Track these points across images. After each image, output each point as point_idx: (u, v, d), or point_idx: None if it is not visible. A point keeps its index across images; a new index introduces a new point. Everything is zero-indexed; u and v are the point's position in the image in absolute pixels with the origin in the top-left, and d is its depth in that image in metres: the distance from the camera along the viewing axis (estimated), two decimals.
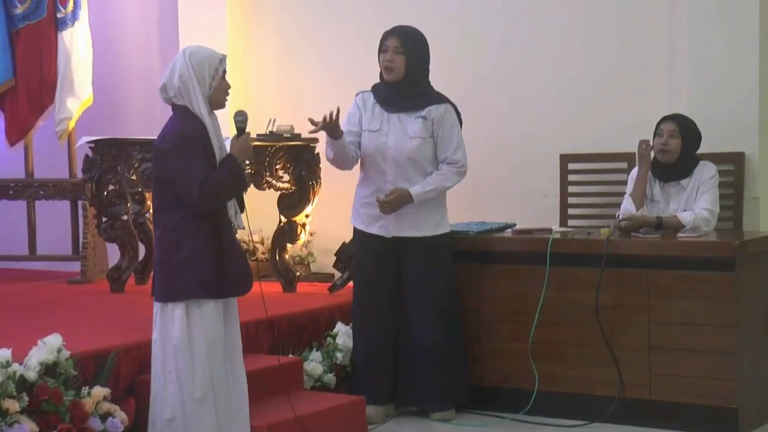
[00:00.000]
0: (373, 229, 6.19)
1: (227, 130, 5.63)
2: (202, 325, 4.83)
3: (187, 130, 4.82)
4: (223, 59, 4.88)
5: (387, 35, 6.16)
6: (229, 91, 4.94)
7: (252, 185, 7.17)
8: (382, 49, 6.16)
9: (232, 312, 5.02)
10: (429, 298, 6.17)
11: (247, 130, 4.98)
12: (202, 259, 4.82)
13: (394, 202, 6.04)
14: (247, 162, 7.13)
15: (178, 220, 4.84)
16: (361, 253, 6.32)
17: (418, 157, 6.11)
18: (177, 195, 4.81)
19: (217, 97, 4.89)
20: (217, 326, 4.88)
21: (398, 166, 6.10)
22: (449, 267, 6.28)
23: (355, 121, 6.23)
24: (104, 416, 5.04)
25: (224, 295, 4.89)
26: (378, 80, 6.25)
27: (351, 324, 6.44)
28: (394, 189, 6.05)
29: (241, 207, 5.05)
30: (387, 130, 6.14)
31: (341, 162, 6.18)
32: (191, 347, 4.82)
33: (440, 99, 6.19)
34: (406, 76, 6.12)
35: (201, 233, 4.82)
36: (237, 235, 5.07)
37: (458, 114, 6.22)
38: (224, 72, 4.89)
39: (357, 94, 6.30)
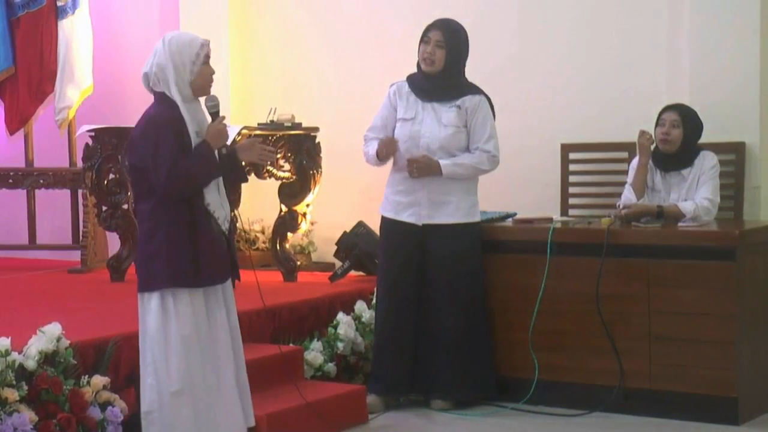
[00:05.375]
0: (404, 217, 6.20)
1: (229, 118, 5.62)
2: (177, 316, 4.70)
3: (157, 116, 4.72)
4: (205, 44, 4.73)
5: (430, 27, 6.17)
6: (213, 77, 4.77)
7: (253, 174, 7.16)
8: (423, 40, 6.17)
9: (221, 302, 4.83)
10: (454, 286, 6.16)
11: (221, 114, 4.79)
12: (174, 248, 4.70)
13: (423, 165, 6.06)
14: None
15: (152, 209, 4.74)
16: (388, 241, 6.29)
17: (450, 145, 6.13)
18: (150, 183, 4.70)
19: (200, 83, 4.73)
20: (195, 317, 4.72)
21: (431, 154, 6.11)
22: (478, 257, 6.28)
23: (389, 116, 6.26)
24: (104, 405, 5.04)
25: (199, 285, 4.72)
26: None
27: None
28: (424, 155, 6.09)
29: (230, 192, 4.90)
30: (422, 118, 6.17)
31: (379, 164, 6.28)
32: (167, 339, 4.70)
33: (475, 90, 6.22)
34: (444, 69, 6.15)
35: (174, 221, 4.70)
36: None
37: (492, 106, 6.24)
38: (207, 57, 4.73)
39: (391, 86, 6.31)
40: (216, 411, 4.78)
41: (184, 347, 4.70)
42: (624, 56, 7.31)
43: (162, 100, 4.74)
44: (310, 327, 6.51)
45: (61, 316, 5.26)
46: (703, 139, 6.43)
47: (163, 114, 4.72)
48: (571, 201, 7.33)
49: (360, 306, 6.67)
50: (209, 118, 4.80)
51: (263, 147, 4.93)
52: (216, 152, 4.75)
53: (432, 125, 6.15)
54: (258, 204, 7.87)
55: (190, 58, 4.70)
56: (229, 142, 4.95)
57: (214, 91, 4.87)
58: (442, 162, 6.09)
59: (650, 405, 5.97)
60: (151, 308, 4.75)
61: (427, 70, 6.16)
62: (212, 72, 4.77)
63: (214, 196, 4.77)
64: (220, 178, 4.80)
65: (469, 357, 6.21)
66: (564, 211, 7.25)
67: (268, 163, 4.76)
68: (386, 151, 6.15)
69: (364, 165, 6.57)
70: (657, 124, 6.41)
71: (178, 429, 4.72)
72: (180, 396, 4.70)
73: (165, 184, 4.64)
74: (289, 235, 7.62)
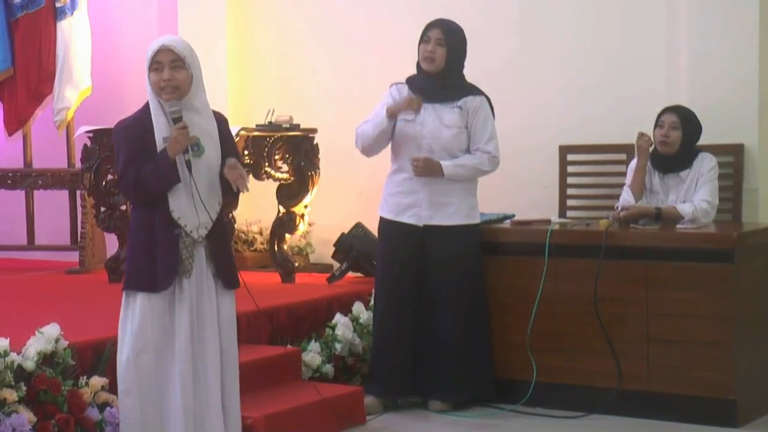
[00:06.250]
0: (404, 218, 6.19)
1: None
2: (132, 317, 4.70)
3: (122, 121, 4.74)
4: (156, 51, 4.61)
5: (430, 26, 6.18)
6: (162, 84, 4.60)
7: (251, 175, 7.15)
8: (423, 40, 6.18)
9: (184, 306, 4.71)
10: (454, 288, 6.16)
11: (183, 120, 4.62)
12: (136, 252, 4.73)
13: (425, 164, 6.05)
14: (245, 153, 7.14)
15: (131, 212, 4.81)
16: (387, 242, 6.28)
17: (453, 146, 6.13)
18: None
19: (152, 88, 4.66)
20: (151, 319, 4.66)
21: (432, 156, 6.11)
22: (478, 258, 6.28)
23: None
24: (102, 406, 5.03)
25: (153, 289, 4.66)
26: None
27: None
28: (425, 157, 6.09)
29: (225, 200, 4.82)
30: (423, 119, 6.15)
31: (376, 145, 6.19)
32: (123, 338, 4.72)
33: (476, 91, 6.23)
34: (444, 68, 6.16)
35: (141, 225, 4.71)
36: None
37: (492, 107, 6.25)
38: (158, 63, 4.59)
39: (391, 86, 6.30)
40: (171, 418, 4.70)
41: (134, 348, 4.67)
42: (623, 58, 7.31)
43: (147, 103, 4.73)
44: (308, 328, 6.50)
45: (60, 317, 5.24)
46: (702, 141, 6.43)
47: (128, 119, 4.74)
48: (570, 203, 7.33)
49: (358, 307, 6.67)
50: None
51: (242, 175, 4.72)
52: (184, 158, 4.61)
53: (434, 126, 6.14)
54: (256, 205, 7.87)
55: (147, 62, 4.66)
56: None
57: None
58: (443, 163, 6.09)
59: (648, 407, 5.96)
60: (121, 306, 4.77)
61: (428, 68, 6.16)
62: (158, 79, 4.61)
63: (182, 204, 4.66)
64: (197, 186, 4.65)
65: (468, 359, 6.21)
66: (562, 213, 7.26)
67: (236, 188, 4.70)
68: (406, 103, 6.04)
69: (363, 166, 6.56)
70: (656, 126, 6.41)
71: (128, 427, 4.71)
72: (127, 396, 4.68)
73: (119, 188, 4.75)
74: (287, 236, 7.61)
